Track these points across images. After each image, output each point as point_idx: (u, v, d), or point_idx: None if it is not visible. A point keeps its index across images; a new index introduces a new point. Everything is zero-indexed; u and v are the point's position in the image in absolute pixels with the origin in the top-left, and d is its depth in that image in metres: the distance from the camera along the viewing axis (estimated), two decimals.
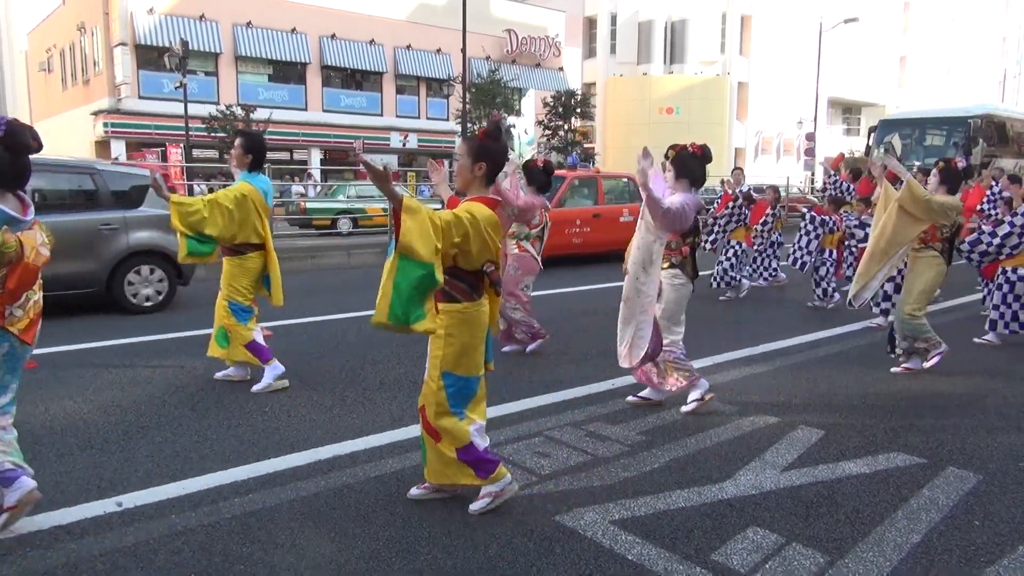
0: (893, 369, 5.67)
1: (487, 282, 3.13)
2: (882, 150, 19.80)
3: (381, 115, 30.79)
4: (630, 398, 4.77)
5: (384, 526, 3.09)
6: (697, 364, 5.81)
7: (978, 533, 3.11)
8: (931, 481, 3.63)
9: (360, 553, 2.87)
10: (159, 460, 3.77)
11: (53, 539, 2.94)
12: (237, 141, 5.15)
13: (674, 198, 4.23)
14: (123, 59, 25.22)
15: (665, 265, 4.46)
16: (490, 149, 3.09)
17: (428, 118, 32.02)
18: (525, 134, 29.32)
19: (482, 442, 3.21)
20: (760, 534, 3.06)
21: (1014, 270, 6.53)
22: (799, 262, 8.58)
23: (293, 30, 28.07)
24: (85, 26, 27.52)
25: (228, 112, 23.32)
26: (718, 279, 9.21)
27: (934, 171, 5.52)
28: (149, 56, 25.38)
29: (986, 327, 6.76)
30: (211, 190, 20.09)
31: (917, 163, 18.46)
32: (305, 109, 28.77)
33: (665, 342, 4.48)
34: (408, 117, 31.46)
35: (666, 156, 4.48)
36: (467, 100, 24.89)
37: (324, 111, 29.23)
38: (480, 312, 3.10)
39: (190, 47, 23.10)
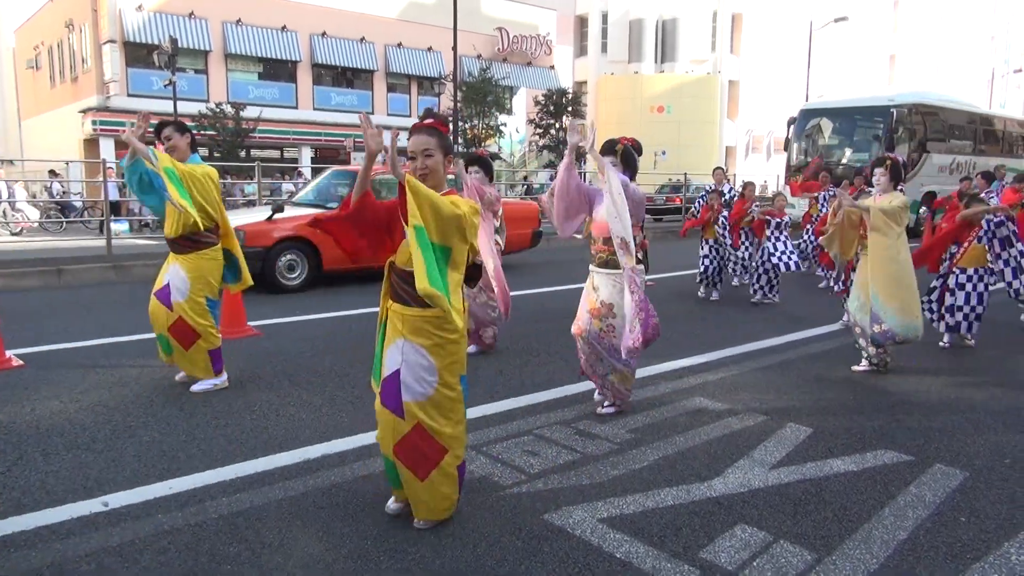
0: (855, 368, 5.71)
1: None
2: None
3: (372, 113, 30.67)
4: (600, 410, 4.56)
5: (372, 525, 3.08)
6: (686, 362, 5.84)
7: (964, 530, 3.13)
8: (918, 478, 3.65)
9: (348, 552, 2.86)
10: (146, 460, 3.75)
11: (38, 539, 2.92)
12: (168, 131, 4.76)
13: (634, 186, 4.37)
14: (112, 56, 25.06)
15: (632, 262, 4.30)
16: (451, 141, 2.99)
17: (419, 116, 31.98)
18: (516, 132, 29.34)
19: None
20: (748, 532, 3.07)
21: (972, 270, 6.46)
22: (786, 264, 8.60)
23: (283, 28, 27.96)
24: (73, 23, 27.32)
25: (218, 110, 23.20)
26: (703, 277, 9.11)
27: (881, 170, 5.50)
28: (138, 53, 25.23)
29: (971, 331, 6.49)
30: None
31: (844, 158, 18.18)
32: (295, 107, 28.67)
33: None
34: (399, 115, 31.38)
35: (614, 151, 4.40)
36: (458, 98, 24.86)
37: (315, 109, 29.14)
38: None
39: (179, 44, 22.99)
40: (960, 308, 6.43)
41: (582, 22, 41.14)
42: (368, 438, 4.07)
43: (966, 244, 6.43)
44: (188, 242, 4.79)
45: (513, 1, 34.73)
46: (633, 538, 3.00)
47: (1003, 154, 21.65)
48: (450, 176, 3.46)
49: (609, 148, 4.43)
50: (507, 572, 2.75)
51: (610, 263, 4.26)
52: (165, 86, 21.52)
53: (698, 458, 3.87)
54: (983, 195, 7.94)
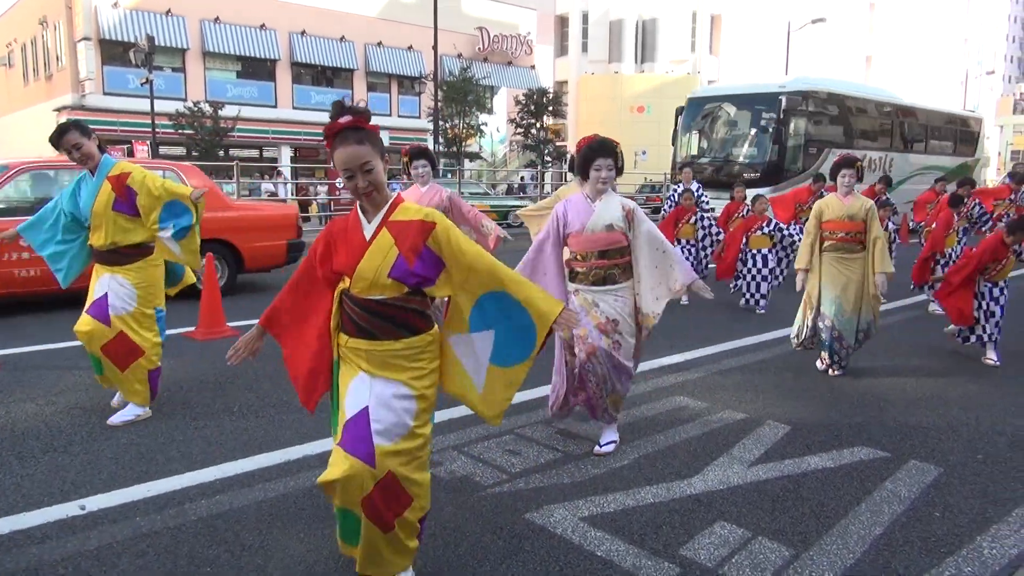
0: (829, 371, 5.63)
1: None
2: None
3: None
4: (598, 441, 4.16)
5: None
6: (666, 361, 5.87)
7: (938, 525, 3.18)
8: (893, 474, 3.70)
9: (329, 553, 2.85)
10: (124, 462, 3.71)
11: (13, 544, 2.89)
12: (74, 136, 4.22)
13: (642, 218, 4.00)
14: (87, 54, 24.71)
15: (630, 275, 3.99)
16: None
17: (400, 115, 31.83)
18: (497, 132, 29.34)
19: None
20: (727, 528, 3.10)
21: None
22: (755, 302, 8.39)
23: (262, 26, 27.73)
24: (47, 20, 26.91)
25: (196, 109, 22.97)
26: None
27: (851, 171, 5.39)
28: (114, 51, 24.90)
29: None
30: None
31: (732, 154, 16.45)
32: (275, 106, 28.43)
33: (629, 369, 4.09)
34: (379, 114, 31.21)
35: (615, 154, 3.98)
36: (439, 98, 24.81)
37: (294, 108, 28.92)
38: None
39: (156, 43, 22.73)
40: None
41: (562, 22, 41.21)
42: None
43: (1004, 260, 5.97)
44: (132, 250, 4.33)
45: (494, 0, 34.72)
46: (614, 536, 3.02)
47: (928, 151, 20.13)
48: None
49: (606, 149, 3.85)
50: (488, 571, 2.76)
51: (609, 279, 3.85)
52: (142, 84, 21.27)
53: (678, 456, 3.90)
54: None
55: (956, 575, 2.79)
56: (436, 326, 2.49)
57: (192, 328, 6.49)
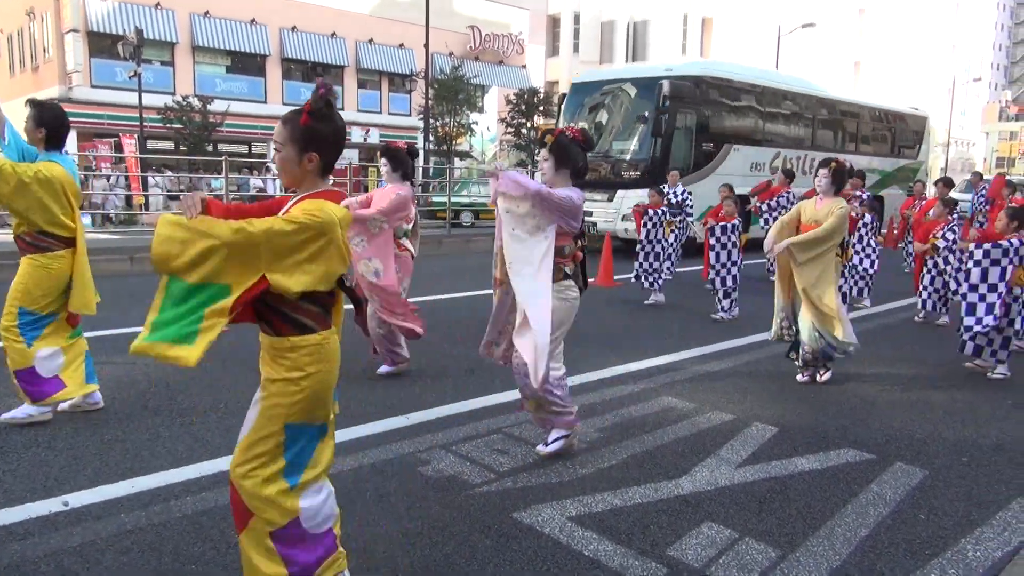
0: (800, 378, 5.48)
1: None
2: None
3: (343, 109, 30.23)
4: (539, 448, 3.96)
5: (341, 524, 3.05)
6: (655, 361, 5.89)
7: (923, 527, 3.20)
8: (879, 476, 3.73)
9: None
10: (108, 458, 3.67)
11: None
12: (28, 114, 4.12)
13: (558, 190, 3.57)
14: (74, 46, 24.49)
15: (557, 276, 3.69)
16: (323, 132, 2.27)
17: (390, 113, 31.76)
18: (488, 131, 29.32)
19: (317, 500, 2.39)
20: (715, 529, 3.11)
21: (1009, 290, 5.64)
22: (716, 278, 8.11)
23: (252, 21, 27.58)
24: (34, 11, 26.65)
25: (184, 103, 22.81)
26: (642, 277, 8.65)
27: (824, 171, 5.19)
28: (102, 44, 24.70)
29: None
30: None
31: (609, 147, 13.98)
32: (264, 102, 28.28)
33: (551, 376, 3.78)
34: (370, 112, 31.15)
35: (542, 143, 3.80)
36: (429, 96, 24.77)
37: (284, 104, 28.74)
38: (336, 341, 2.37)
39: (145, 36, 22.57)
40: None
41: (554, 22, 41.23)
42: (337, 437, 4.02)
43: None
44: (22, 242, 4.09)
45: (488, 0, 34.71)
46: (601, 536, 3.02)
47: (860, 152, 17.52)
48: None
49: (540, 140, 3.80)
50: (476, 571, 2.75)
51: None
52: (130, 78, 21.12)
53: (666, 456, 3.91)
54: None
55: None
56: (315, 336, 2.25)
57: None
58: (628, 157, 13.79)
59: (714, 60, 17.93)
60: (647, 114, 13.25)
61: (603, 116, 14.38)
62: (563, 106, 15.01)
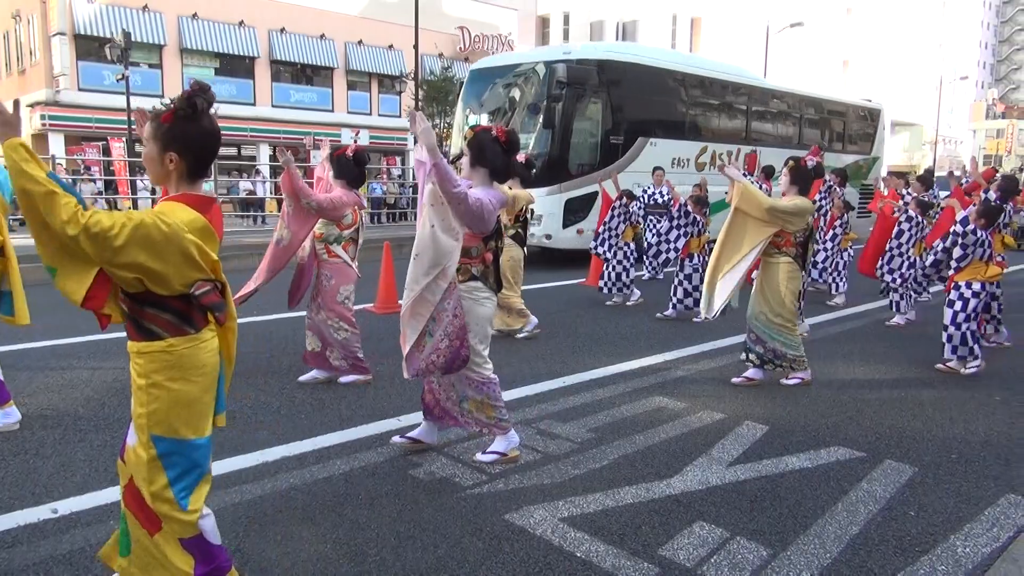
0: (735, 380, 5.37)
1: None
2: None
3: (332, 111, 30.34)
4: (396, 439, 3.95)
5: (332, 528, 3.05)
6: (646, 361, 5.90)
7: (913, 524, 3.22)
8: (869, 474, 3.74)
9: (307, 556, 2.83)
10: (97, 465, 3.65)
11: None
12: None
13: (472, 191, 3.50)
14: (61, 49, 24.32)
15: (463, 277, 3.64)
16: (187, 134, 2.18)
17: (380, 114, 31.68)
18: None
19: (215, 538, 2.32)
20: (706, 528, 3.12)
21: (968, 284, 5.69)
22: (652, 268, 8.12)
23: (241, 23, 27.46)
24: (20, 14, 26.46)
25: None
26: (608, 284, 8.53)
27: (784, 171, 5.17)
28: (89, 46, 24.53)
29: (951, 353, 5.83)
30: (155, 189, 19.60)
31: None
32: (254, 104, 28.17)
33: (477, 377, 3.74)
34: (359, 113, 31.07)
35: (464, 138, 3.74)
36: (419, 97, 24.74)
37: (273, 106, 28.67)
38: (199, 349, 2.22)
39: (133, 38, 22.43)
40: (946, 327, 5.82)
41: (544, 23, 41.27)
42: (327, 439, 4.03)
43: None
44: None
45: (475, 0, 34.70)
46: (593, 537, 3.02)
47: (803, 147, 15.34)
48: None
49: (464, 137, 3.75)
50: (468, 573, 2.75)
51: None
52: (118, 80, 20.98)
53: (658, 456, 3.92)
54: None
55: (930, 573, 2.82)
56: (159, 343, 2.17)
57: None
58: (527, 152, 11.70)
59: (623, 43, 15.82)
60: (544, 104, 11.53)
61: (502, 106, 12.62)
62: (460, 96, 13.41)
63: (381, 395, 4.88)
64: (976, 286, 5.66)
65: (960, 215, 5.77)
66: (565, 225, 11.53)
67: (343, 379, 5.14)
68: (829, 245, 8.92)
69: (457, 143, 12.26)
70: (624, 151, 12.39)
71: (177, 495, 2.21)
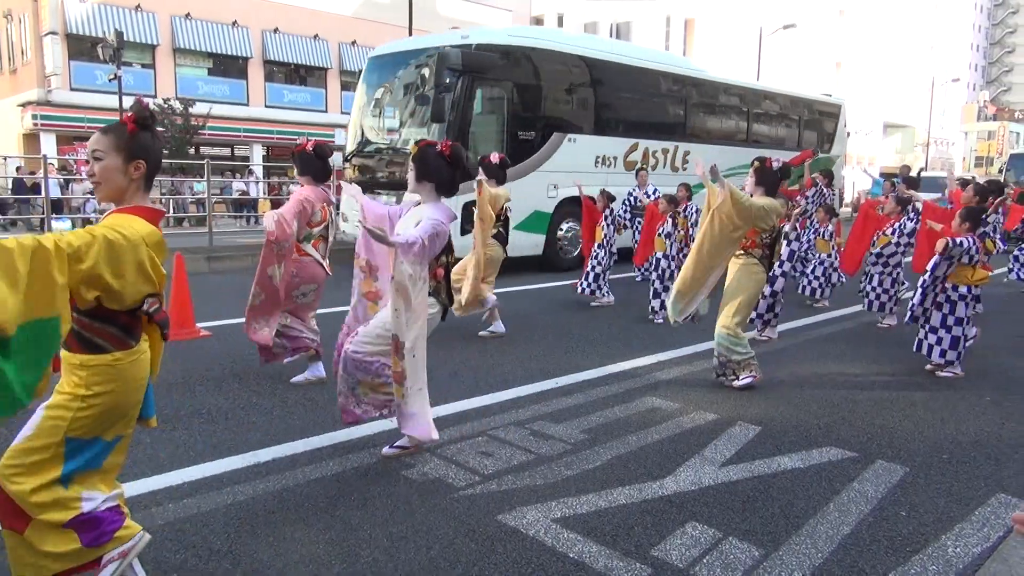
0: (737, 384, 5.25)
1: (145, 321, 2.32)
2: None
3: (326, 111, 30.30)
4: (386, 450, 3.88)
5: (324, 529, 3.05)
6: (638, 362, 5.90)
7: (904, 523, 3.23)
8: (861, 474, 3.76)
9: (299, 558, 2.82)
10: None
11: None
12: None
13: (420, 228, 3.51)
14: (53, 49, 24.22)
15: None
16: (149, 143, 2.29)
17: None
18: None
19: (96, 502, 2.31)
20: (699, 529, 3.12)
21: (954, 287, 5.63)
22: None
23: (234, 23, 27.40)
24: (12, 13, 26.35)
25: (166, 106, 22.64)
26: (587, 285, 8.42)
27: (750, 171, 5.14)
28: (81, 46, 24.44)
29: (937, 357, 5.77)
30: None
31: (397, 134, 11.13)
32: (247, 104, 28.11)
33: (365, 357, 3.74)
34: None
35: (409, 153, 3.83)
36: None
37: (267, 107, 28.62)
38: (140, 362, 2.29)
39: (125, 38, 22.32)
40: (935, 330, 5.76)
41: (537, 24, 41.31)
42: (320, 440, 4.02)
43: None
44: None
45: (469, 1, 34.70)
46: (586, 538, 3.02)
47: (754, 144, 14.59)
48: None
49: (411, 153, 3.81)
50: (461, 574, 2.74)
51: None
52: (110, 80, 20.88)
53: (650, 457, 3.92)
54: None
55: (921, 573, 2.84)
56: (104, 356, 2.21)
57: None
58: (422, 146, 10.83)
59: (535, 27, 13.61)
60: (438, 95, 10.08)
61: (400, 97, 11.20)
62: (358, 89, 12.07)
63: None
64: (963, 289, 5.65)
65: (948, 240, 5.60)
66: (463, 232, 9.29)
67: (295, 378, 5.13)
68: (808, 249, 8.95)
69: (354, 139, 11.65)
70: (536, 148, 10.99)
71: (63, 482, 2.23)
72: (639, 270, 10.34)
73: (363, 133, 11.61)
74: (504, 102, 10.87)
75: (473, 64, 10.13)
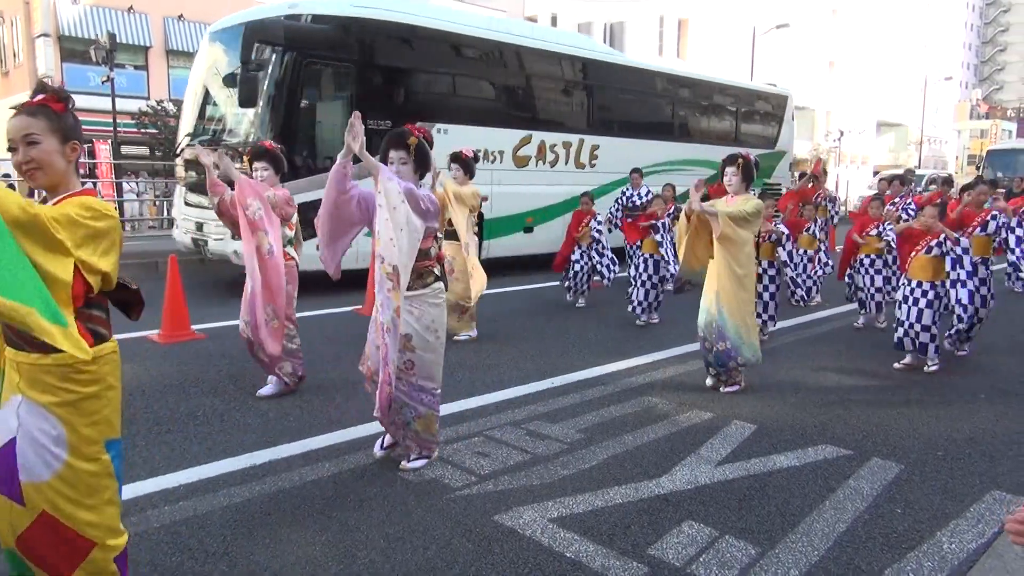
0: (725, 389, 5.17)
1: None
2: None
3: None
4: (377, 451, 3.86)
5: (320, 531, 3.04)
6: (634, 361, 5.91)
7: (899, 520, 3.24)
8: (856, 472, 3.77)
9: (296, 559, 2.82)
10: None
11: None
12: None
13: (421, 190, 3.44)
14: (45, 51, 24.14)
15: (428, 280, 3.54)
16: (74, 122, 2.14)
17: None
18: None
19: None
20: (695, 528, 3.13)
21: (932, 284, 5.68)
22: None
23: None
24: (4, 15, 26.26)
25: (159, 108, 22.57)
26: (572, 285, 8.39)
27: (732, 169, 4.90)
28: (74, 48, 24.36)
29: (930, 352, 5.77)
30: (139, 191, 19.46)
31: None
32: None
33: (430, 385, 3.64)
34: None
35: (405, 145, 3.58)
36: None
37: None
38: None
39: (118, 40, 22.29)
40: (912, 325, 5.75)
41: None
42: (315, 442, 4.02)
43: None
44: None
45: (462, 2, 34.68)
46: (583, 537, 3.02)
47: (681, 138, 13.45)
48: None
49: (398, 141, 3.52)
50: (458, 574, 2.74)
51: (408, 285, 3.44)
52: (103, 83, 20.82)
53: (647, 456, 3.92)
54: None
55: (917, 570, 2.84)
56: (110, 344, 2.12)
57: (155, 331, 6.37)
58: (238, 140, 8.79)
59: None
60: (261, 75, 8.36)
61: (229, 77, 9.09)
62: (193, 68, 10.35)
63: (370, 398, 4.86)
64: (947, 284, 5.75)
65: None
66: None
67: (263, 390, 4.83)
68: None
69: (190, 121, 9.71)
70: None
71: (119, 495, 2.16)
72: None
73: (188, 123, 9.72)
74: (348, 84, 9.05)
75: (300, 38, 8.43)
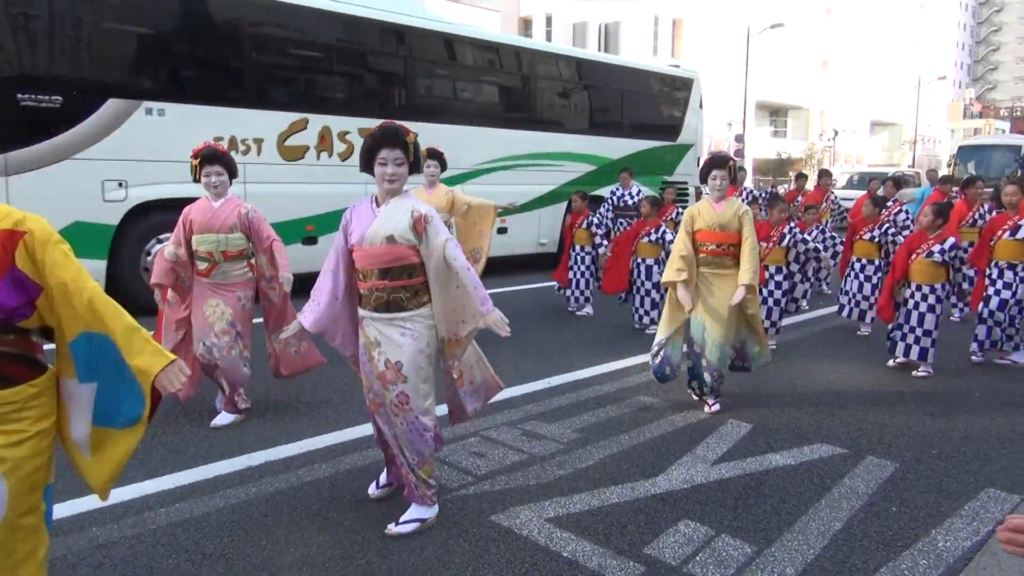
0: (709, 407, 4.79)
1: None
2: None
3: None
4: (373, 491, 3.45)
5: (317, 532, 3.04)
6: (630, 361, 5.92)
7: (895, 519, 3.26)
8: (852, 470, 3.78)
9: (293, 561, 2.82)
10: None
11: None
12: None
13: (441, 228, 3.08)
14: None
15: (425, 298, 3.06)
16: None
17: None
18: None
19: None
20: (691, 527, 3.14)
21: (932, 288, 5.61)
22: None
23: None
24: None
25: None
26: (574, 292, 8.03)
27: (722, 172, 4.54)
28: None
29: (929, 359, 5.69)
30: None
31: None
32: None
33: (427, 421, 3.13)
34: None
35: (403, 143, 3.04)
36: None
37: None
38: None
39: None
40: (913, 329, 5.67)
41: (526, 24, 41.33)
42: (312, 443, 4.02)
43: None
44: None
45: (457, 2, 34.65)
46: (580, 537, 3.03)
47: (547, 126, 11.24)
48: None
49: (393, 138, 2.96)
50: (455, 574, 2.75)
51: (393, 304, 2.98)
52: None
53: (643, 456, 3.93)
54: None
55: (912, 568, 2.86)
56: (51, 369, 1.95)
57: (150, 333, 6.33)
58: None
59: None
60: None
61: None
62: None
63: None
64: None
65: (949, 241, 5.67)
66: None
67: (220, 420, 4.38)
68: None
69: None
70: (69, 121, 6.76)
71: (45, 549, 1.97)
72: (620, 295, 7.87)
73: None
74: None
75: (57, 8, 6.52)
